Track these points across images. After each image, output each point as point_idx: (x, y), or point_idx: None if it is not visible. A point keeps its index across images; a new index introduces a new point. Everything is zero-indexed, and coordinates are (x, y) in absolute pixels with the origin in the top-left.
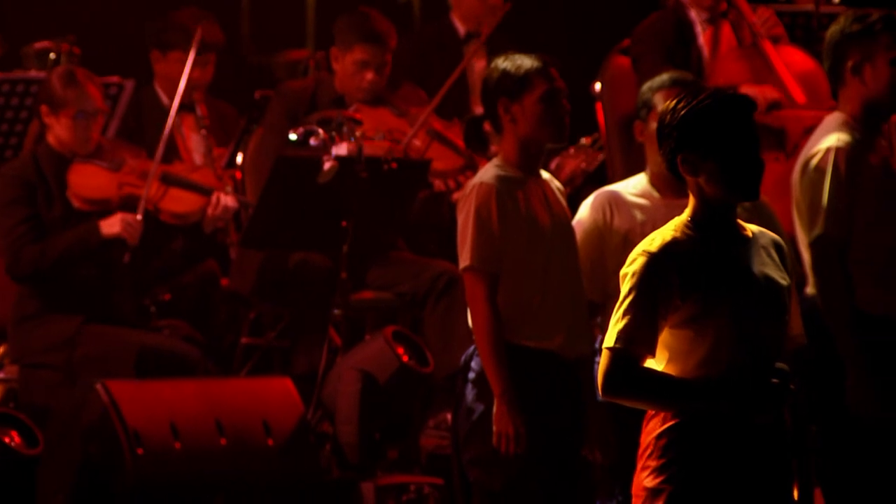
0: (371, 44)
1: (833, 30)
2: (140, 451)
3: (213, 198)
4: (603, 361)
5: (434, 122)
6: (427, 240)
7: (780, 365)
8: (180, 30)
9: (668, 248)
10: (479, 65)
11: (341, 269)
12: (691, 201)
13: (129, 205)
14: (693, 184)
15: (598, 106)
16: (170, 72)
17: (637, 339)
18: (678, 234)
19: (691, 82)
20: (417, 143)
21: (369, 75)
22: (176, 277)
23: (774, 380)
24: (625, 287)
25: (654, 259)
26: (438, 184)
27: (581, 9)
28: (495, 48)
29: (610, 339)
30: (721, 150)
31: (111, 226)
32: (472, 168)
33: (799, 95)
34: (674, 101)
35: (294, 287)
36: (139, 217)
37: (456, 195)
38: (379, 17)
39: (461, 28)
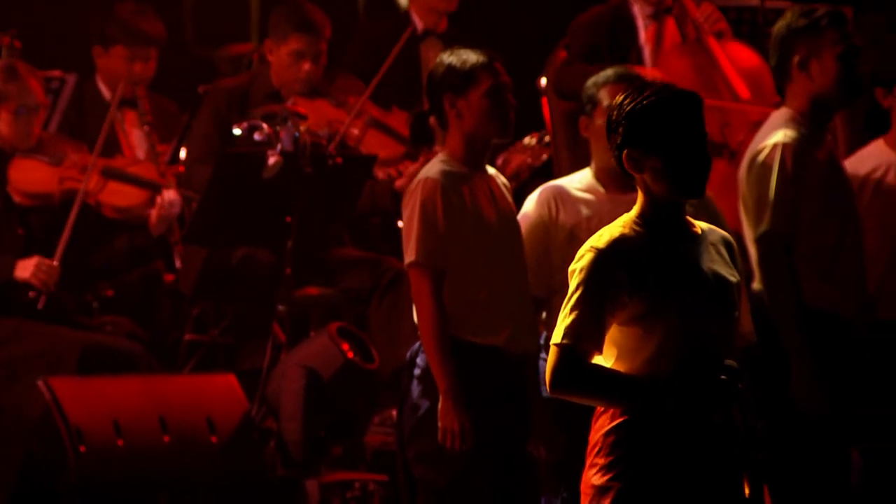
0: (306, 33)
1: (779, 25)
2: (82, 448)
3: (158, 199)
4: (550, 358)
5: (371, 110)
6: (371, 230)
7: (728, 362)
8: (123, 25)
9: (616, 244)
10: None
11: (285, 264)
12: (639, 198)
13: (70, 199)
14: (640, 180)
15: (544, 101)
16: (112, 67)
17: (584, 336)
18: (626, 231)
19: (636, 77)
20: (355, 131)
21: (306, 65)
22: (120, 275)
23: (723, 377)
24: (572, 283)
25: (601, 255)
26: (381, 173)
27: (527, 3)
28: (449, 44)
29: (557, 335)
30: (664, 147)
31: (24, 269)
32: (412, 157)
33: (743, 91)
34: (621, 97)
35: (238, 283)
36: (55, 263)
37: (399, 182)
38: (312, 6)
39: (419, 24)
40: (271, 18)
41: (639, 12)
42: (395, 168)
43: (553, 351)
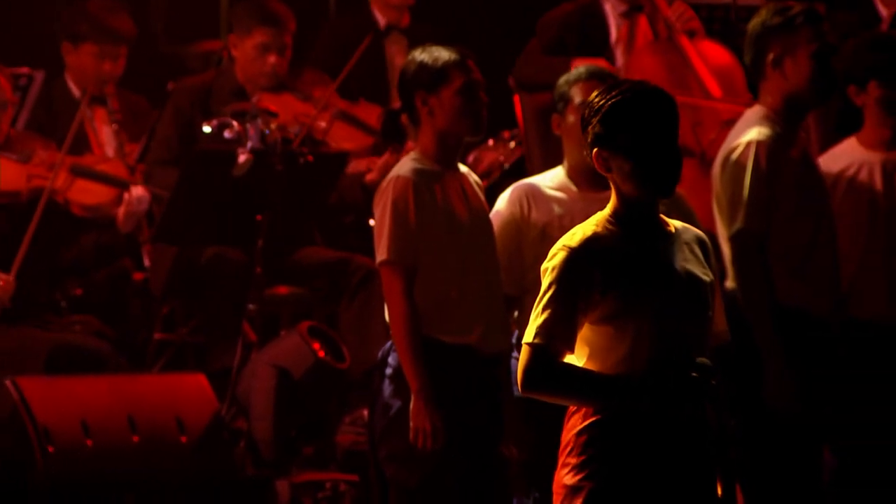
0: (270, 26)
1: (754, 22)
2: (50, 448)
3: (125, 196)
4: (522, 357)
5: (338, 103)
6: (343, 228)
7: (701, 360)
8: (92, 21)
9: (589, 243)
10: (399, 60)
11: (256, 263)
12: (612, 196)
13: (38, 197)
14: (611, 179)
15: (516, 98)
16: (81, 64)
17: (556, 335)
18: (599, 229)
19: (608, 75)
20: (322, 124)
21: (271, 58)
22: (89, 273)
23: (694, 374)
24: (545, 282)
25: (574, 254)
26: (351, 165)
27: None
28: (416, 40)
29: (529, 335)
30: (631, 147)
31: None
32: (380, 149)
33: (715, 89)
34: (593, 96)
35: (208, 282)
36: (11, 278)
37: (369, 176)
38: (276, 0)
39: (381, 20)
40: (235, 13)
41: (611, 11)
42: (364, 163)
43: (525, 350)
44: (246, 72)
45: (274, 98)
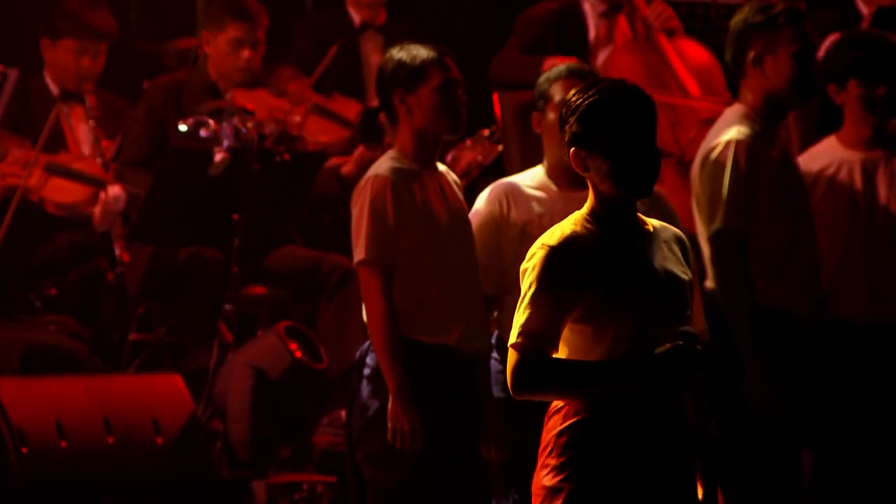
0: (243, 21)
1: (736, 20)
2: (25, 450)
3: (102, 195)
4: (510, 360)
5: (312, 97)
6: (321, 227)
7: (685, 328)
8: (72, 17)
9: (568, 241)
10: (375, 58)
11: (233, 263)
12: (590, 195)
13: (12, 195)
14: (589, 178)
15: (495, 97)
16: (60, 60)
17: (541, 334)
18: (578, 228)
19: (588, 73)
20: (297, 118)
21: (245, 53)
22: (63, 273)
23: (679, 342)
24: (525, 282)
25: (553, 252)
26: (330, 160)
27: None
28: (392, 38)
29: (513, 336)
30: (608, 147)
31: None
32: (354, 144)
33: (693, 88)
34: (570, 95)
35: (184, 282)
36: None
37: (345, 168)
38: None
39: (356, 18)
40: (207, 9)
41: (590, 10)
42: (340, 152)
43: (511, 353)
44: (219, 68)
45: (248, 94)
